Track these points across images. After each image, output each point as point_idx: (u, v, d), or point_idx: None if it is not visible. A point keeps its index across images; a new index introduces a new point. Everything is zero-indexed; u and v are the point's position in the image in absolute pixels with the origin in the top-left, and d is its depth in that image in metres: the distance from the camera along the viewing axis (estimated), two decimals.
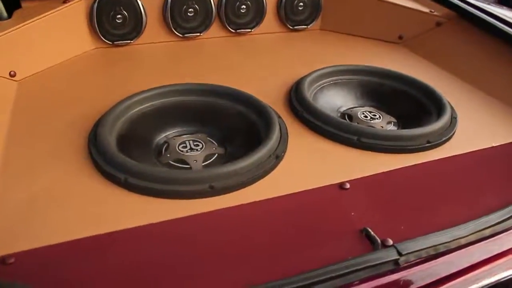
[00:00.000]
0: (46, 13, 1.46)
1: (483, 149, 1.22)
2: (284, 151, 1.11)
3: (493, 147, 1.23)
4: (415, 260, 0.84)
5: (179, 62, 1.59)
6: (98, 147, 1.03)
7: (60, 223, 0.88)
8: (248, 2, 1.75)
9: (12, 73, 1.37)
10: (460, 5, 1.73)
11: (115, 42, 1.63)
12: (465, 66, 1.63)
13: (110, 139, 1.07)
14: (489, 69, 1.59)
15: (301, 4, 1.84)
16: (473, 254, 0.90)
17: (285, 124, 1.20)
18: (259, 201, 0.97)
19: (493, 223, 0.92)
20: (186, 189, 0.95)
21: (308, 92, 1.34)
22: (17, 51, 1.39)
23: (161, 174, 0.97)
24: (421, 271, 0.85)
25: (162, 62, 1.59)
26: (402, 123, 1.37)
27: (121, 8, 1.59)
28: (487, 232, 0.91)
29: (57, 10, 1.49)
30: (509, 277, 0.92)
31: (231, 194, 0.98)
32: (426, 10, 1.81)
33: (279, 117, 1.22)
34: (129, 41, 1.64)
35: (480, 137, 1.26)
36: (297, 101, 1.30)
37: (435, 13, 1.79)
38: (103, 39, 1.61)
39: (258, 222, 0.93)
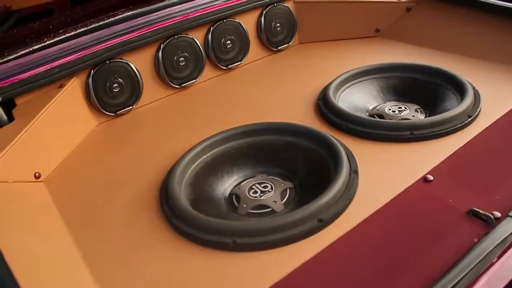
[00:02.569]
0: (48, 105, 1.38)
1: None
2: (357, 167, 1.12)
3: None
4: None
5: (189, 113, 1.56)
6: (189, 221, 0.99)
7: None
8: (232, 36, 1.75)
9: (37, 174, 1.29)
10: None
11: (117, 112, 1.57)
12: (446, 39, 1.72)
13: (188, 207, 1.03)
14: (469, 36, 1.68)
15: (278, 25, 1.87)
16: None
17: (339, 140, 1.21)
18: (363, 220, 0.97)
19: None
20: (297, 231, 0.94)
21: (337, 104, 1.37)
22: (34, 152, 1.31)
23: (270, 224, 0.95)
24: None
25: (173, 116, 1.56)
26: (427, 108, 1.43)
27: (115, 76, 1.54)
28: None
29: (57, 98, 1.41)
30: None
31: (335, 222, 0.98)
32: None
33: (331, 135, 1.23)
34: (130, 107, 1.59)
35: (504, 99, 1.34)
36: (333, 114, 1.33)
37: (402, 0, 1.89)
38: (105, 112, 1.56)
39: (375, 240, 0.93)
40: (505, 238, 0.84)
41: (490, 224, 0.90)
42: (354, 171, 1.09)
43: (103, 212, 1.15)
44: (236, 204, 1.14)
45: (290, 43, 1.93)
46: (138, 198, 1.16)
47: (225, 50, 1.75)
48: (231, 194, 1.18)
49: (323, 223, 0.95)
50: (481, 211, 0.92)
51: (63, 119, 1.44)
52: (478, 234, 0.88)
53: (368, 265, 0.87)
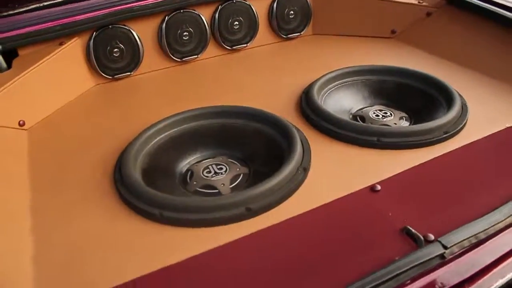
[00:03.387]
0: (45, 59, 1.45)
1: (499, 131, 1.24)
2: (310, 162, 1.12)
3: (508, 127, 1.25)
4: (459, 251, 0.85)
5: (183, 87, 1.59)
6: (128, 186, 1.03)
7: (106, 266, 0.88)
8: (240, 18, 1.76)
9: (21, 122, 1.36)
10: None
11: (115, 76, 1.63)
12: (460, 51, 1.65)
13: (137, 176, 1.07)
14: (485, 51, 1.61)
15: (292, 12, 1.86)
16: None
17: (304, 135, 1.21)
18: (296, 216, 0.97)
19: None
20: (224, 215, 0.95)
21: (319, 100, 1.35)
22: (22, 100, 1.38)
23: (198, 204, 0.97)
24: (466, 261, 0.85)
25: (166, 89, 1.59)
26: (414, 117, 1.39)
27: (117, 41, 1.59)
28: None
29: (55, 54, 1.48)
30: None
31: (267, 213, 0.98)
32: (414, 1, 1.83)
33: (297, 128, 1.22)
34: (128, 73, 1.64)
35: (493, 120, 1.28)
36: (310, 110, 1.31)
37: (424, 3, 1.82)
38: (103, 74, 1.61)
39: (300, 237, 0.93)
40: (425, 261, 0.81)
41: (419, 244, 0.88)
42: (303, 168, 1.08)
43: (67, 168, 1.20)
44: (188, 180, 1.17)
45: (302, 33, 1.91)
46: (103, 160, 1.21)
47: (232, 31, 1.76)
48: (187, 170, 1.20)
49: (250, 213, 0.96)
50: (413, 230, 0.90)
51: (59, 74, 1.51)
52: (403, 252, 0.86)
53: (281, 261, 0.88)
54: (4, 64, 1.45)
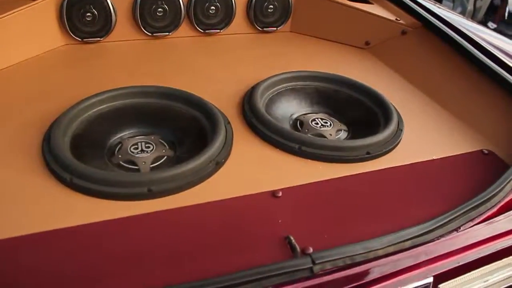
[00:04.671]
0: (15, 10, 1.50)
1: (424, 161, 1.27)
2: (226, 158, 1.17)
3: (433, 160, 1.29)
4: (331, 268, 0.90)
5: (146, 61, 1.64)
6: (50, 147, 1.09)
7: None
8: (217, 4, 1.79)
9: None
10: (425, 15, 1.77)
11: (84, 39, 1.68)
12: (424, 76, 1.68)
13: (64, 139, 1.13)
14: (446, 81, 1.64)
15: (271, 6, 1.89)
16: (393, 263, 0.96)
17: (232, 130, 1.26)
18: (192, 205, 1.03)
19: (412, 235, 0.98)
20: (126, 191, 1.02)
21: (262, 98, 1.40)
22: None
23: (103, 176, 1.03)
24: (336, 279, 0.91)
25: (129, 61, 1.64)
26: (352, 131, 1.43)
27: (91, 6, 1.64)
28: (407, 244, 0.97)
29: (27, 7, 1.53)
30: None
31: (167, 197, 1.04)
32: (392, 18, 1.85)
33: (228, 122, 1.27)
34: (98, 39, 1.69)
35: (423, 149, 1.32)
36: (248, 106, 1.36)
37: (401, 21, 1.84)
38: (73, 36, 1.66)
39: (187, 225, 0.99)
40: (289, 271, 0.86)
41: (295, 255, 0.92)
42: (216, 161, 1.13)
43: (3, 119, 1.26)
44: (115, 153, 1.23)
45: (278, 28, 1.94)
46: (41, 119, 1.26)
47: (207, 14, 1.80)
48: (119, 143, 1.26)
49: (151, 194, 1.02)
50: (293, 241, 0.94)
51: (28, 28, 1.56)
52: (275, 258, 0.91)
53: (154, 245, 0.93)
54: None
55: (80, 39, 1.67)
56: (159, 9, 1.72)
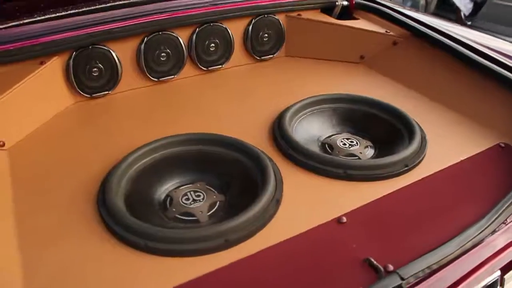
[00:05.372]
0: (26, 78, 1.48)
1: (454, 164, 1.35)
2: (282, 194, 1.20)
3: (462, 161, 1.37)
4: (414, 281, 0.95)
5: (158, 108, 1.65)
6: (113, 216, 1.09)
7: None
8: (217, 40, 1.83)
9: (1, 143, 1.39)
10: (413, 25, 1.87)
11: (93, 95, 1.67)
12: (423, 81, 1.77)
13: (120, 204, 1.13)
14: (445, 83, 1.74)
15: (266, 35, 1.94)
16: (461, 266, 1.02)
17: (277, 166, 1.29)
18: (268, 247, 1.05)
19: (475, 234, 1.05)
20: (204, 246, 1.03)
21: (290, 128, 1.44)
22: (2, 120, 1.41)
23: (180, 235, 1.04)
24: None
25: (142, 109, 1.64)
26: (378, 146, 1.49)
27: (96, 61, 1.63)
28: (468, 245, 1.04)
29: (36, 73, 1.51)
30: (493, 280, 1.07)
31: (241, 245, 1.06)
32: (382, 31, 1.95)
33: (270, 159, 1.31)
34: (107, 92, 1.68)
35: (449, 153, 1.40)
36: (282, 139, 1.39)
37: (391, 33, 1.93)
38: (81, 93, 1.65)
39: (271, 268, 1.02)
40: None
41: (379, 275, 0.98)
42: (276, 200, 1.17)
43: (50, 191, 1.24)
44: (168, 206, 1.23)
45: (275, 55, 1.99)
46: (83, 184, 1.26)
47: (208, 52, 1.83)
48: (167, 196, 1.27)
49: (228, 243, 1.04)
50: (374, 262, 1.00)
51: (38, 93, 1.54)
52: (364, 283, 0.96)
53: None
54: None
55: (89, 95, 1.66)
56: (162, 54, 1.73)
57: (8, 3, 1.49)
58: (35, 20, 1.58)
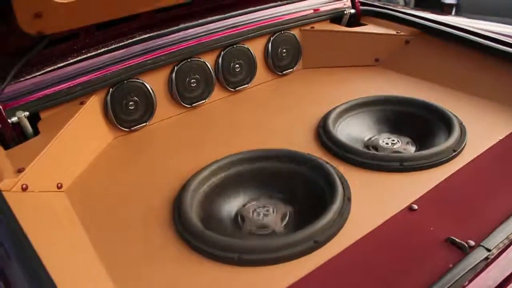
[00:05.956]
0: (71, 121, 1.50)
1: (496, 143, 1.43)
2: (350, 194, 1.25)
3: (501, 140, 1.44)
4: (497, 252, 1.01)
5: (197, 132, 1.69)
6: (199, 236, 1.12)
7: None
8: (240, 61, 1.89)
9: (59, 185, 1.41)
10: (422, 22, 1.97)
11: (132, 128, 1.70)
12: (437, 73, 1.86)
13: (198, 221, 1.16)
14: (459, 71, 1.83)
15: (284, 50, 2.01)
16: None
17: (336, 169, 1.34)
18: (353, 243, 1.10)
19: None
20: (295, 250, 1.07)
21: (335, 133, 1.50)
22: (57, 163, 1.43)
23: (272, 244, 1.08)
24: (506, 258, 1.01)
25: (183, 135, 1.68)
26: (418, 140, 1.56)
27: (132, 95, 1.67)
28: None
29: (78, 115, 1.54)
30: None
31: (330, 244, 1.11)
32: (393, 32, 2.03)
33: (327, 163, 1.35)
34: (144, 124, 1.72)
35: (487, 134, 1.47)
36: (332, 143, 1.46)
37: (401, 33, 2.02)
38: (120, 127, 1.68)
39: (361, 260, 1.07)
40: (476, 264, 0.97)
41: (464, 251, 1.03)
42: (347, 198, 1.22)
43: (119, 224, 1.27)
44: (240, 223, 1.27)
45: (294, 68, 2.06)
46: (152, 213, 1.29)
47: (234, 73, 1.89)
48: (236, 214, 1.30)
49: (318, 244, 1.08)
50: (457, 240, 1.05)
51: (83, 133, 1.57)
52: (453, 260, 1.01)
53: (354, 284, 1.00)
54: (30, 129, 1.49)
55: (127, 129, 1.69)
56: (192, 80, 1.78)
57: (47, 51, 1.51)
58: (71, 62, 1.60)
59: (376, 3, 2.27)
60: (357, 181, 1.31)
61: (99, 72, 1.62)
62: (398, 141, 1.55)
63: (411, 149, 1.53)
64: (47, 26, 1.38)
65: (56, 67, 1.58)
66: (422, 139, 1.55)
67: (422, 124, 1.58)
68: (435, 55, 1.93)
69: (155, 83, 1.72)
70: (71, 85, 1.57)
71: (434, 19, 1.99)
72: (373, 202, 1.24)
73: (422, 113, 1.60)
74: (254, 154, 1.40)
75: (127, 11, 1.56)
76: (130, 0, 1.50)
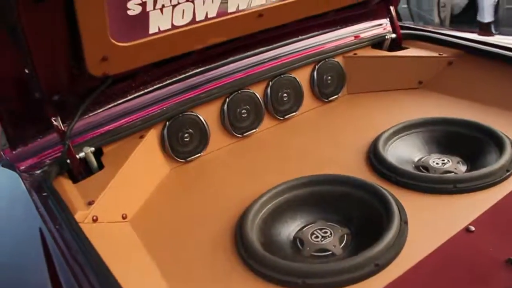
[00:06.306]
0: (133, 154, 1.60)
1: None
2: (407, 217, 1.28)
3: None
4: None
5: (251, 160, 1.76)
6: (263, 261, 1.17)
7: None
8: (288, 90, 1.96)
9: (124, 215, 1.49)
10: (463, 43, 2.00)
11: (187, 159, 1.78)
12: (483, 92, 1.88)
13: (262, 250, 1.21)
14: (504, 90, 1.83)
15: (329, 77, 2.07)
16: None
17: (390, 192, 1.37)
18: (414, 265, 1.13)
19: None
20: (358, 274, 1.11)
21: (386, 156, 1.53)
22: (121, 195, 1.52)
23: (335, 268, 1.12)
24: None
25: (237, 164, 1.76)
26: (469, 160, 1.57)
27: (187, 127, 1.76)
28: None
29: (140, 147, 1.63)
30: None
31: (390, 267, 1.14)
32: (435, 54, 2.07)
33: (381, 187, 1.39)
34: (199, 155, 1.80)
35: None
36: (384, 168, 1.50)
37: (444, 55, 2.05)
38: (177, 159, 1.77)
39: (423, 283, 1.09)
40: None
41: None
42: (404, 221, 1.25)
43: (183, 251, 1.34)
44: (300, 247, 1.31)
45: (339, 94, 2.12)
46: (214, 239, 1.35)
47: (282, 102, 1.96)
48: (295, 238, 1.35)
49: (379, 267, 1.12)
50: None
51: (143, 165, 1.66)
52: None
53: None
54: (95, 164, 1.60)
55: (183, 160, 1.78)
56: (243, 111, 1.86)
57: (109, 89, 1.63)
58: (130, 98, 1.71)
59: (416, 26, 2.32)
60: (412, 204, 1.34)
61: (156, 107, 1.72)
62: (449, 160, 1.57)
63: (462, 168, 1.54)
64: (111, 68, 1.48)
65: (116, 103, 1.69)
66: (472, 159, 1.57)
67: (471, 144, 1.60)
68: (480, 75, 1.95)
69: (208, 115, 1.81)
70: (131, 120, 1.68)
71: (476, 39, 2.02)
72: (429, 224, 1.27)
73: (471, 133, 1.62)
74: (308, 180, 1.45)
75: (182, 49, 1.65)
76: (185, 40, 1.60)
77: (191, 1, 1.49)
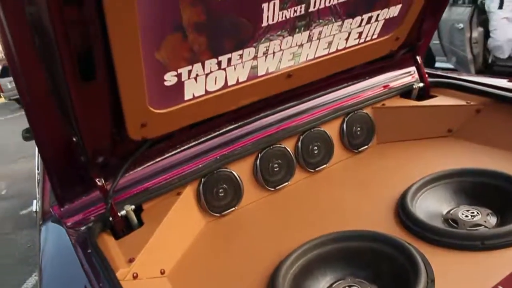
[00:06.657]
0: (171, 211, 1.69)
1: None
2: (434, 275, 1.30)
3: None
4: None
5: (284, 213, 1.83)
6: None
7: None
8: (318, 143, 2.03)
9: (162, 271, 1.58)
10: (490, 91, 2.03)
11: (222, 213, 1.86)
12: None
13: None
14: None
15: (359, 129, 2.14)
16: None
17: (416, 249, 1.40)
18: None
19: None
20: None
21: (415, 211, 1.56)
22: (160, 251, 1.61)
23: None
24: None
25: (270, 219, 1.83)
26: (499, 211, 1.58)
27: (222, 183, 1.85)
28: None
29: (177, 204, 1.73)
30: None
31: None
32: (463, 102, 2.10)
33: (409, 244, 1.42)
34: (233, 209, 1.88)
35: None
36: (411, 223, 1.52)
37: (472, 103, 2.08)
38: (212, 213, 1.85)
39: None
40: None
41: None
42: (431, 280, 1.27)
43: None
44: None
45: (369, 144, 2.17)
46: None
47: (313, 155, 2.03)
48: None
49: None
50: None
51: (180, 221, 1.75)
52: None
53: None
54: (135, 221, 1.70)
55: (218, 214, 1.86)
56: (275, 165, 1.94)
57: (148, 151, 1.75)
58: (167, 157, 1.83)
59: (443, 74, 2.36)
60: (439, 260, 1.36)
61: (192, 164, 1.83)
62: (478, 213, 1.58)
63: (492, 220, 1.55)
64: (150, 132, 1.60)
65: (154, 161, 1.81)
66: (503, 210, 1.57)
67: (501, 195, 1.60)
68: (508, 123, 1.96)
69: (241, 170, 1.90)
70: (169, 177, 1.78)
71: (503, 86, 2.04)
72: (456, 283, 1.28)
73: (501, 184, 1.63)
74: (337, 236, 1.50)
75: (215, 112, 1.76)
76: (218, 103, 1.70)
77: (222, 69, 1.59)
